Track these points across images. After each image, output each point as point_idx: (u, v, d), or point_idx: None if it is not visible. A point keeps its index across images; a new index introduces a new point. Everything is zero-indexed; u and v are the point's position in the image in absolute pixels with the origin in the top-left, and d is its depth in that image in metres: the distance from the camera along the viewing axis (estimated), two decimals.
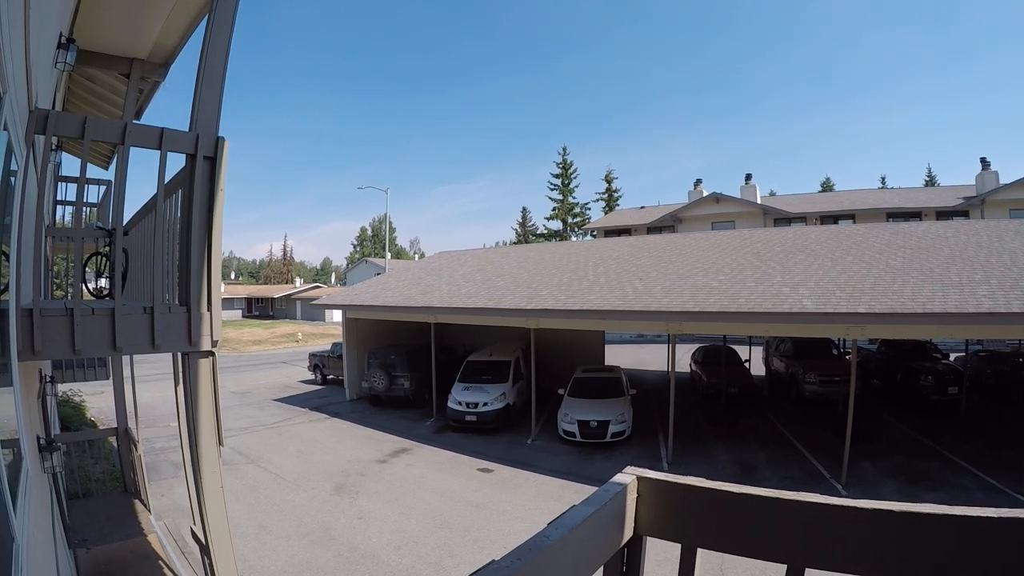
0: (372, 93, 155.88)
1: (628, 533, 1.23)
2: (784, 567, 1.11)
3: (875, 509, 1.00)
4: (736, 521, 1.15)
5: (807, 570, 1.09)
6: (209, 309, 3.98)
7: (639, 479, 1.25)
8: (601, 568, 1.19)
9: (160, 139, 3.88)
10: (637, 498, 1.24)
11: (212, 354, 4.00)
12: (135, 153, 4.01)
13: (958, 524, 0.93)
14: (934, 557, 0.95)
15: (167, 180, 4.22)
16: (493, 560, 0.85)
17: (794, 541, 1.08)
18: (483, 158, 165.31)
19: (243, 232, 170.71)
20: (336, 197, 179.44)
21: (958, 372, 16.74)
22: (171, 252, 4.19)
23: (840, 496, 1.06)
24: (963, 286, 10.95)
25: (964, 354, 18.74)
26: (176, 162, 4.14)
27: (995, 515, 0.91)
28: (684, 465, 12.37)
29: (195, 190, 3.91)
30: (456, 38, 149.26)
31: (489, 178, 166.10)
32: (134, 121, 7.28)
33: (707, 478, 1.18)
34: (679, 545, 1.23)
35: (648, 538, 1.25)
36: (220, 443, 3.97)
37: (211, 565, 4.15)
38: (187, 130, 3.97)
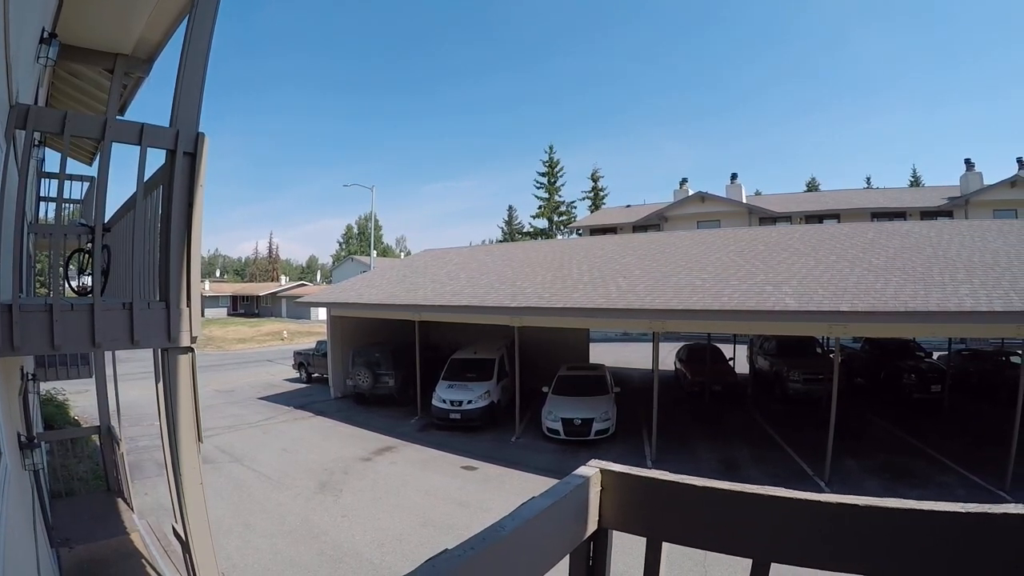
0: (362, 93, 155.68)
1: (592, 526, 1.22)
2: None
3: (838, 503, 0.99)
4: (700, 515, 1.13)
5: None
6: (188, 305, 3.98)
7: (603, 472, 1.24)
8: (567, 560, 1.19)
9: (140, 135, 3.86)
10: (601, 491, 1.23)
11: (191, 350, 4.00)
12: (121, 150, 3.99)
13: (921, 518, 0.93)
14: (897, 551, 0.94)
15: (149, 176, 4.21)
16: (446, 549, 0.85)
17: (758, 536, 1.07)
18: (471, 157, 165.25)
19: (230, 230, 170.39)
20: (323, 195, 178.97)
21: (941, 371, 16.96)
22: (151, 249, 4.17)
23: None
24: (945, 285, 11.07)
25: (947, 353, 18.95)
26: (158, 158, 4.12)
27: (962, 510, 0.90)
28: (668, 463, 12.43)
29: (175, 186, 3.90)
30: (445, 39, 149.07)
31: (477, 177, 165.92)
32: (117, 117, 7.22)
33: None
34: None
35: (615, 531, 1.24)
36: (199, 439, 3.96)
37: (192, 562, 4.14)
38: (168, 126, 3.96)
